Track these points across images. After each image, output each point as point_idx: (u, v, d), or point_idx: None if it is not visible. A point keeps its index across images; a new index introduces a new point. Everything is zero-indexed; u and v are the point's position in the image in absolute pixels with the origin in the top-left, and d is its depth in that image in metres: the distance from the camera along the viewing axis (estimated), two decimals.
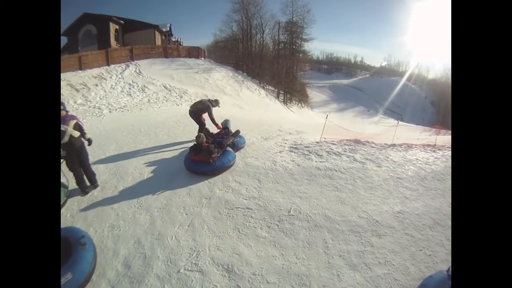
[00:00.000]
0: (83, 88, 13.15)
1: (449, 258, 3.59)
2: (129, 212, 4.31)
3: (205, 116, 6.96)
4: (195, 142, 5.52)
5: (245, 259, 3.48)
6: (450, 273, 2.68)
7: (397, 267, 3.43)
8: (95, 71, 15.31)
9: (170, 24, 31.12)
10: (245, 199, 4.71)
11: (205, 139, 5.56)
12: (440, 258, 3.64)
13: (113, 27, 24.07)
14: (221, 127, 6.97)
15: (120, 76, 15.62)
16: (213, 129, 7.11)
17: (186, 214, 4.30)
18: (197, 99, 9.32)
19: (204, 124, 6.92)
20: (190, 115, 6.88)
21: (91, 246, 3.29)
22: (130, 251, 3.58)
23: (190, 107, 6.97)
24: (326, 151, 6.59)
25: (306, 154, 6.46)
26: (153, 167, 5.64)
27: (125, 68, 16.82)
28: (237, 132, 6.69)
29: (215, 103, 7.17)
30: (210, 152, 5.32)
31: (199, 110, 6.84)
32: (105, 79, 14.72)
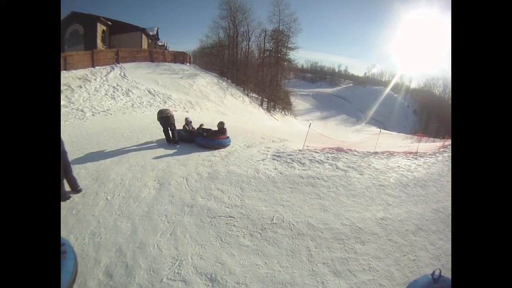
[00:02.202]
0: (67, 89, 12.79)
1: (433, 262, 3.72)
2: (110, 219, 4.20)
3: None
4: (219, 127, 7.75)
5: (228, 268, 3.46)
6: (435, 277, 2.74)
7: (382, 273, 3.50)
8: (80, 72, 14.95)
9: (157, 28, 30.67)
10: (228, 207, 4.68)
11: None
12: (424, 262, 3.75)
13: (100, 28, 23.49)
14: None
15: (104, 78, 15.31)
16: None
17: (168, 222, 4.24)
18: (180, 105, 11.08)
19: (175, 126, 7.59)
20: (162, 119, 7.36)
21: (71, 254, 3.17)
22: (111, 260, 3.49)
23: (161, 113, 7.45)
24: (309, 159, 6.66)
25: (288, 162, 6.51)
26: (134, 173, 5.54)
27: (110, 71, 16.50)
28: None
29: None
30: (227, 130, 7.79)
31: (171, 115, 7.46)
32: (89, 81, 14.40)
